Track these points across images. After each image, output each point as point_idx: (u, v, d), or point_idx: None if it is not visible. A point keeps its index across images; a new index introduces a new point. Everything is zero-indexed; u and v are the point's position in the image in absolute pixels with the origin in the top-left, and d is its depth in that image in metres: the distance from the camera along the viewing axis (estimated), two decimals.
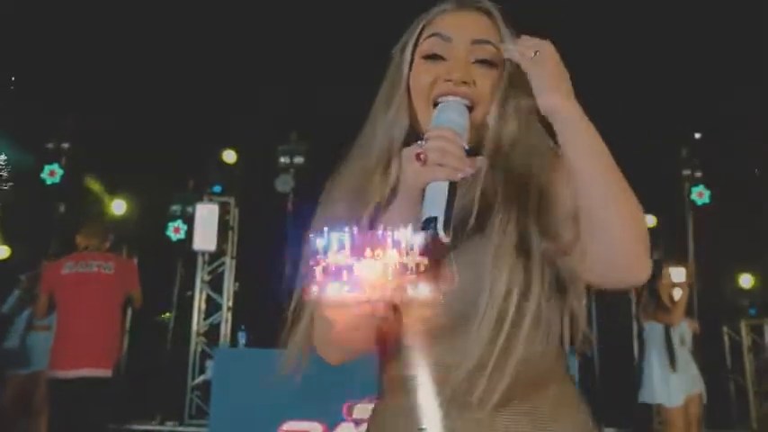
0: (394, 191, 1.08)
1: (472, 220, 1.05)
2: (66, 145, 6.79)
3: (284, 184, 7.05)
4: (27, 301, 5.46)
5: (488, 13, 1.14)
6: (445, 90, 1.06)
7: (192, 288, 7.18)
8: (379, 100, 1.17)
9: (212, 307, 7.15)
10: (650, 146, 7.02)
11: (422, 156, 0.92)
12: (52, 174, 6.70)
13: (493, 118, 1.10)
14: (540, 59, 0.98)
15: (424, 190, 0.94)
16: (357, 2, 5.93)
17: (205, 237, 6.79)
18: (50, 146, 6.76)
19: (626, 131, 7.47)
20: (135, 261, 6.73)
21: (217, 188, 7.02)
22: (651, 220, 7.63)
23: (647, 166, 7.01)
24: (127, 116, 6.53)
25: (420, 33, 1.14)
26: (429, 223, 0.89)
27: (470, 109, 1.05)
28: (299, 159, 7.09)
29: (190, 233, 6.91)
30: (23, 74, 6.00)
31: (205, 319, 7.17)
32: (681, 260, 6.74)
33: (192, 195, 7.04)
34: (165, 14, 5.77)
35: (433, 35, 1.12)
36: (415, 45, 1.14)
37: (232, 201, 7.09)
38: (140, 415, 6.79)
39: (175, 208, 7.03)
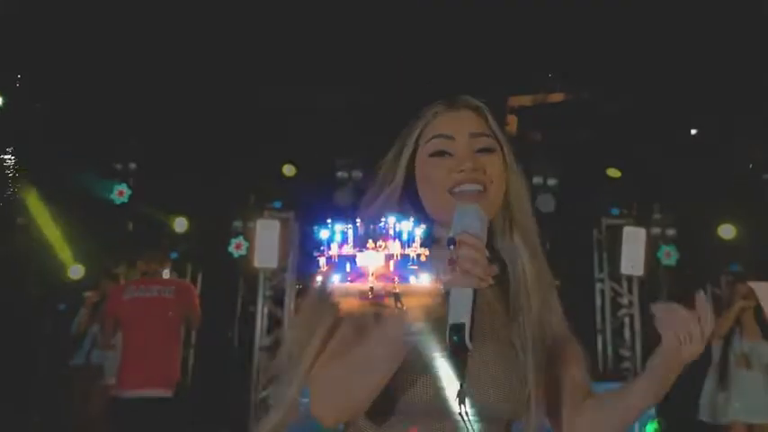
0: None
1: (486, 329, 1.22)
2: (133, 165, 7.05)
3: (343, 197, 7.05)
4: (93, 318, 5.69)
5: (477, 110, 1.33)
6: (461, 179, 1.23)
7: (254, 304, 7.27)
8: (370, 195, 1.31)
9: (274, 322, 7.22)
10: (727, 148, 6.64)
11: (454, 262, 0.98)
12: (121, 194, 6.97)
13: (509, 201, 1.30)
14: (685, 347, 1.14)
15: (446, 293, 0.98)
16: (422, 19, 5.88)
17: (266, 253, 6.87)
18: (119, 166, 7.04)
19: (703, 132, 7.10)
20: (197, 285, 6.94)
21: (277, 204, 7.11)
22: (729, 231, 7.19)
23: (725, 169, 6.62)
24: (188, 133, 6.71)
25: (419, 137, 1.31)
26: (457, 330, 0.96)
27: (483, 189, 1.23)
28: (356, 173, 7.09)
29: (252, 249, 7.00)
30: (90, 95, 6.27)
31: (267, 334, 7.23)
32: (764, 274, 6.30)
33: (254, 211, 7.14)
34: (220, 33, 5.91)
35: (435, 137, 1.28)
36: (415, 147, 1.30)
37: (292, 216, 7.16)
38: (208, 428, 6.90)
39: (237, 224, 7.15)
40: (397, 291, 0.73)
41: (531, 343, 1.24)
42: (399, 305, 0.74)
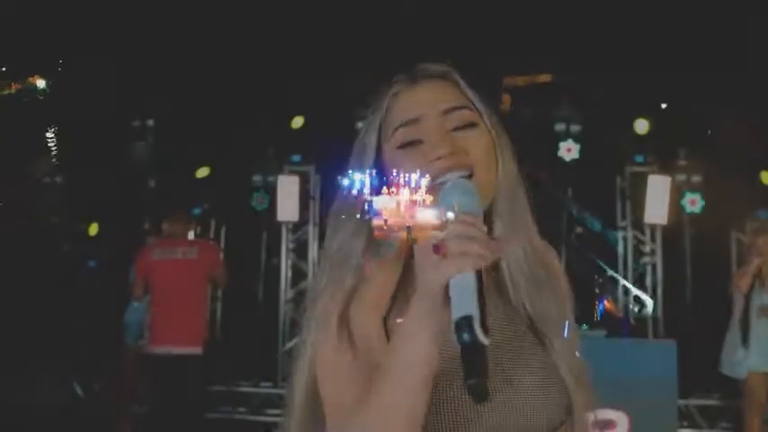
0: (397, 298, 0.99)
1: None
2: (151, 122, 7.06)
3: None
4: None
5: (444, 77, 1.07)
6: (439, 168, 0.98)
7: (278, 256, 7.37)
8: (335, 209, 1.06)
9: (298, 275, 7.34)
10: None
11: (441, 247, 0.81)
12: None
13: (500, 183, 1.04)
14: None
15: (446, 288, 0.81)
16: None
17: (287, 208, 6.93)
18: (136, 124, 7.05)
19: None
20: (220, 240, 7.03)
21: (296, 157, 7.12)
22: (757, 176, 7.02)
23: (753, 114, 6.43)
24: (201, 90, 6.68)
25: (381, 128, 1.05)
26: (464, 325, 0.77)
27: (470, 176, 0.99)
28: None
29: (273, 202, 7.07)
30: (106, 57, 6.26)
31: (292, 286, 7.36)
32: None
33: (274, 164, 7.17)
34: None
35: (399, 126, 1.03)
36: (378, 138, 1.05)
37: (312, 169, 7.17)
38: (238, 377, 7.13)
39: (257, 178, 7.19)
40: (409, 225, 0.79)
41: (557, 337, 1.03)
42: (412, 237, 0.80)
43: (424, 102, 1.03)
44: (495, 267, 1.04)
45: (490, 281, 1.02)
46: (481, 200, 0.97)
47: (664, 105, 7.04)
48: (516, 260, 1.04)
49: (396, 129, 1.02)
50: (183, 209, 5.56)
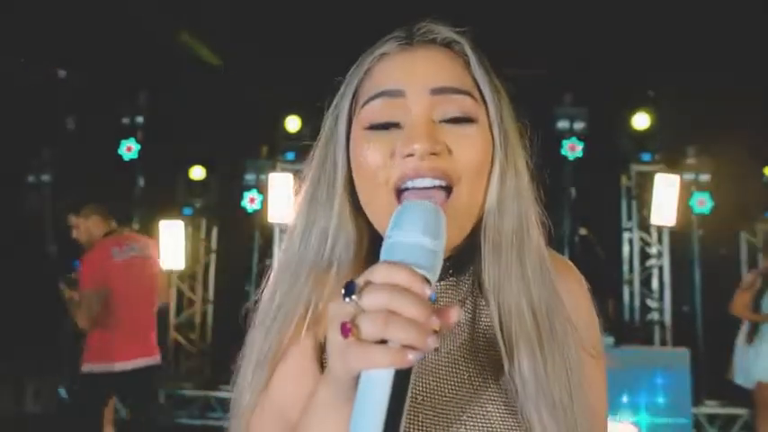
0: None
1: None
2: (140, 119, 6.78)
3: None
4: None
5: (451, 47, 0.80)
6: (408, 169, 0.73)
7: (270, 257, 7.14)
8: (303, 201, 0.85)
9: None
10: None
11: (348, 327, 0.55)
12: (129, 149, 6.74)
13: (489, 207, 0.77)
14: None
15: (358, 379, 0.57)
16: None
17: (280, 209, 6.68)
18: (126, 121, 6.78)
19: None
20: (211, 240, 6.66)
21: (290, 155, 6.86)
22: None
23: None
24: (194, 85, 6.47)
25: (356, 93, 0.80)
26: None
27: (448, 189, 0.73)
28: None
29: (265, 202, 6.83)
30: (96, 52, 6.06)
31: None
32: None
33: (266, 163, 6.93)
34: None
35: (374, 96, 0.77)
36: (351, 111, 0.80)
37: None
38: (228, 381, 6.91)
39: (249, 177, 6.93)
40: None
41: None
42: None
43: (413, 72, 0.76)
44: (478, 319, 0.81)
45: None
46: (457, 230, 0.72)
47: (651, 93, 6.75)
48: (518, 315, 0.75)
49: (367, 101, 0.77)
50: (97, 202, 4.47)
